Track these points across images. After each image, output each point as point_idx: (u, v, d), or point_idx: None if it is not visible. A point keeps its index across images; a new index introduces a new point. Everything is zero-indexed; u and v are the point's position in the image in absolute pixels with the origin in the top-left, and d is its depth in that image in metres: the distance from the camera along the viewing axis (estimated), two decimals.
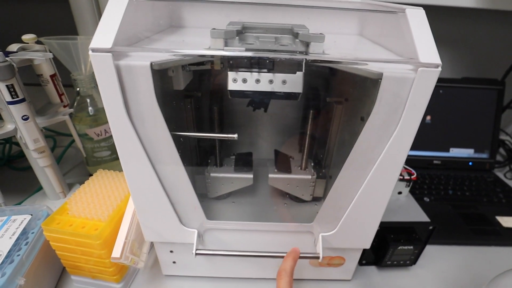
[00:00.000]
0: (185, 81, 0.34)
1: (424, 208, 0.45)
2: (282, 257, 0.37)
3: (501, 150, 0.80)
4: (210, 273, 0.43)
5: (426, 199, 0.61)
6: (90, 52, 0.24)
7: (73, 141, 0.70)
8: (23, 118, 0.39)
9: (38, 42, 0.46)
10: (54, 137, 0.74)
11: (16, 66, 0.37)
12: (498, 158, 0.78)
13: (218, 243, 0.38)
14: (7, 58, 0.36)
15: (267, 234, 0.38)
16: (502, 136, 0.82)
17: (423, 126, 0.70)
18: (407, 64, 0.27)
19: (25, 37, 0.43)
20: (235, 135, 0.34)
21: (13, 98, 0.37)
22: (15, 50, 0.41)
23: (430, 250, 0.49)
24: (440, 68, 0.26)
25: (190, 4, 0.39)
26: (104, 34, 0.25)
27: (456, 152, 0.72)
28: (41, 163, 0.44)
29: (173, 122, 0.36)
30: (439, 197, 0.62)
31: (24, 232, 0.38)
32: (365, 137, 0.30)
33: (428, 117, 0.71)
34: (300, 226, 0.37)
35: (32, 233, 0.38)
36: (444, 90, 0.70)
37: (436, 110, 0.70)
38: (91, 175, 0.45)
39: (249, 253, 0.36)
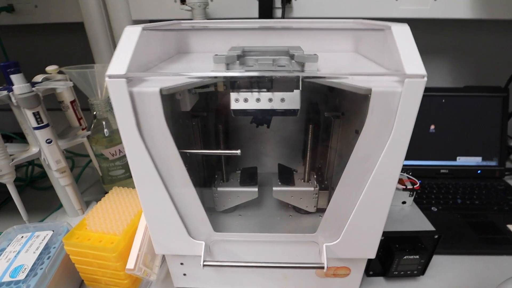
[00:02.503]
0: (192, 102, 0.37)
1: (431, 217, 0.46)
2: (288, 267, 0.39)
3: None
4: (220, 285, 0.44)
5: (434, 208, 0.60)
6: (106, 78, 0.27)
7: (90, 161, 0.75)
8: (47, 141, 0.43)
9: (59, 72, 0.51)
10: (72, 158, 0.79)
11: (41, 95, 0.41)
12: (509, 165, 0.77)
13: (226, 255, 0.40)
14: (33, 88, 0.40)
15: (273, 245, 0.39)
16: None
17: (427, 136, 0.71)
18: (394, 76, 0.29)
19: (49, 68, 0.48)
20: (238, 151, 0.37)
21: (38, 124, 0.41)
22: (40, 80, 0.46)
23: (439, 260, 0.49)
24: (425, 79, 0.28)
25: (195, 32, 0.43)
26: (119, 62, 0.28)
27: (463, 160, 0.72)
28: (62, 182, 0.48)
29: (182, 140, 0.39)
30: (447, 206, 0.61)
31: (47, 247, 0.41)
32: (359, 149, 0.31)
33: (432, 127, 0.71)
34: (304, 237, 0.38)
35: (54, 247, 0.41)
36: (446, 99, 0.71)
37: (440, 119, 0.71)
38: (107, 193, 0.48)
39: (256, 263, 0.38)
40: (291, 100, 0.34)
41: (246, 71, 0.32)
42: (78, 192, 0.53)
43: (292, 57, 0.35)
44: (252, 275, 0.43)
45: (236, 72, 0.31)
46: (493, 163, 0.72)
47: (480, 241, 0.53)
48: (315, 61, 0.33)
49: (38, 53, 0.85)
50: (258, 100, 0.34)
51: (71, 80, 0.49)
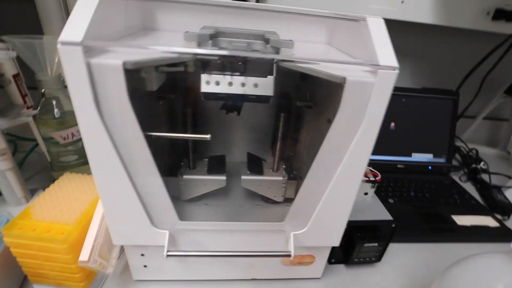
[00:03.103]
0: (158, 82, 0.35)
1: (388, 208, 0.48)
2: (255, 256, 0.38)
3: (457, 156, 0.88)
4: (183, 276, 0.43)
5: (391, 200, 0.64)
6: (58, 45, 0.24)
7: (36, 145, 0.67)
8: None
9: (0, 41, 0.44)
10: (15, 141, 0.70)
11: None
12: (454, 162, 0.85)
13: (191, 245, 0.38)
14: None
15: (240, 234, 0.38)
16: (458, 143, 0.90)
17: (388, 132, 0.75)
18: (368, 66, 0.29)
19: None
20: (208, 136, 0.35)
21: None
22: None
23: (394, 248, 0.52)
24: (397, 71, 0.28)
25: (163, 6, 0.40)
26: (74, 28, 0.25)
27: (417, 157, 0.77)
28: (1, 166, 0.42)
29: (147, 123, 0.36)
30: (402, 198, 0.66)
31: None
32: (331, 138, 0.32)
33: (393, 124, 0.75)
34: (272, 225, 0.38)
35: None
36: (406, 99, 0.75)
37: (400, 117, 0.75)
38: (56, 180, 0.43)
39: (222, 253, 0.37)
40: (265, 86, 0.33)
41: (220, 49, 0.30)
42: (22, 178, 0.47)
43: (267, 41, 0.34)
44: (217, 264, 0.42)
45: (209, 50, 0.29)
46: (442, 160, 0.78)
47: (430, 230, 0.57)
48: (291, 47, 0.32)
49: None
50: (230, 84, 0.33)
51: (13, 50, 0.43)
